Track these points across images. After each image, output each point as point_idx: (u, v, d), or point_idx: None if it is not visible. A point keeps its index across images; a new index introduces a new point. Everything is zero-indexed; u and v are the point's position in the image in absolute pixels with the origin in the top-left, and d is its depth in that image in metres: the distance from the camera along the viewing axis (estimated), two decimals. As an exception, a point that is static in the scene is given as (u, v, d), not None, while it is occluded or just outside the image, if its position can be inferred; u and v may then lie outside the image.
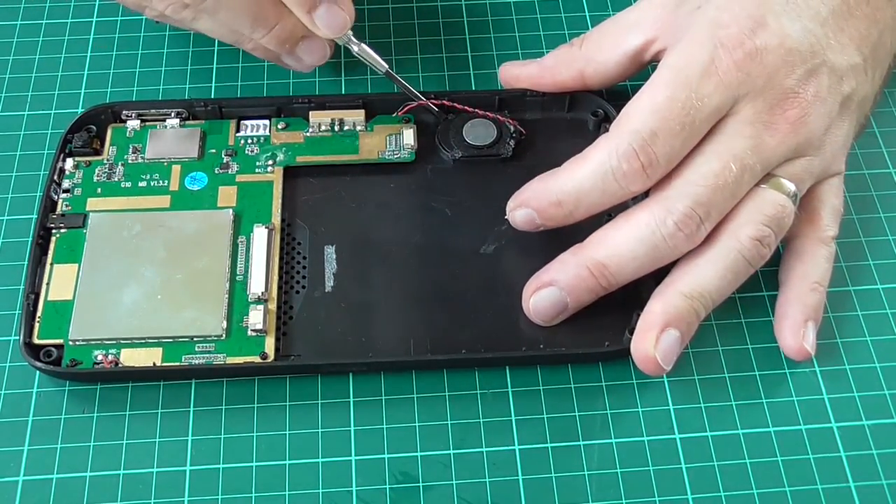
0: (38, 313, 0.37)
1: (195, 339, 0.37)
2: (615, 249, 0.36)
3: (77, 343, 0.37)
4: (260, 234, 0.39)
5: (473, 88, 0.46)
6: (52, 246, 0.39)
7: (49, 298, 0.38)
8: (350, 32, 0.41)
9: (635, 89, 0.37)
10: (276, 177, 0.41)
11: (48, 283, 0.38)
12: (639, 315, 0.37)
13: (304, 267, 0.39)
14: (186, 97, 0.45)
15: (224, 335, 0.37)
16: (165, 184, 0.41)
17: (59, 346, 0.37)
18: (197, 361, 0.37)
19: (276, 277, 0.38)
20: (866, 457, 0.36)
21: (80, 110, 0.44)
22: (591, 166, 0.36)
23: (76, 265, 0.38)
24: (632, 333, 0.36)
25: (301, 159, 0.42)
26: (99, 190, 0.41)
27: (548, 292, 0.37)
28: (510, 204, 0.39)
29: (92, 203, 0.40)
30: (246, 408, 0.37)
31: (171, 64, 0.46)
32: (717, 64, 0.36)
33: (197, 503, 0.35)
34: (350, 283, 0.39)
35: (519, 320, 0.38)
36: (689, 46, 0.37)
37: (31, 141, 0.44)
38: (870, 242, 0.41)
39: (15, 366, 0.38)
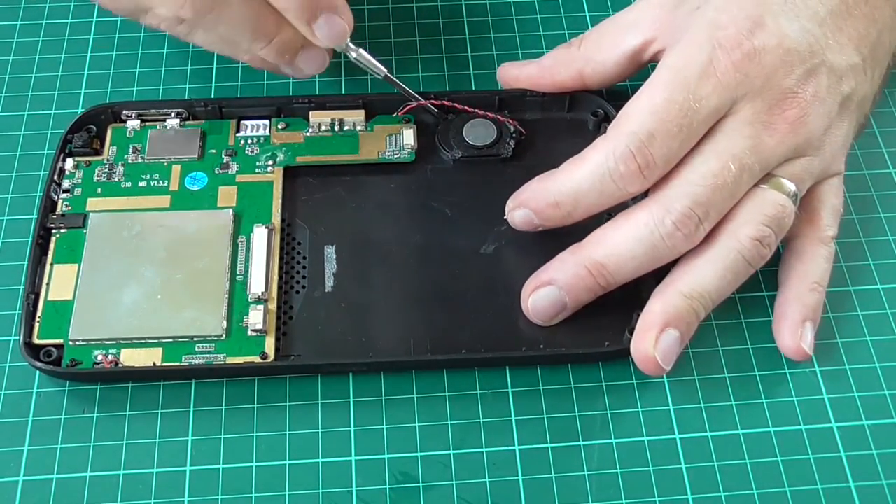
0: (38, 313, 0.37)
1: (195, 339, 0.37)
2: (614, 249, 0.36)
3: (77, 343, 0.37)
4: (260, 234, 0.39)
5: (473, 88, 0.46)
6: (52, 246, 0.39)
7: (49, 298, 0.38)
8: (348, 39, 0.40)
9: (635, 89, 0.37)
10: (276, 177, 0.41)
11: (48, 283, 0.38)
12: (639, 315, 0.37)
13: (304, 267, 0.39)
14: (186, 97, 0.45)
15: (224, 335, 0.37)
16: (165, 184, 0.41)
17: (59, 346, 0.37)
18: (197, 361, 0.37)
19: (276, 277, 0.39)
20: (866, 457, 0.36)
21: (80, 110, 0.44)
22: (589, 167, 0.36)
23: (76, 265, 0.38)
24: (632, 333, 0.36)
25: (301, 159, 0.42)
26: (99, 190, 0.41)
27: (546, 291, 0.37)
28: (509, 204, 0.39)
29: (92, 203, 0.40)
30: (246, 408, 0.37)
31: (171, 64, 0.46)
32: (716, 65, 0.36)
33: (197, 503, 0.35)
34: (350, 283, 0.39)
35: (519, 320, 0.38)
36: (687, 47, 0.37)
37: (31, 141, 0.44)
38: (870, 242, 0.41)
39: (15, 366, 0.38)
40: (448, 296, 0.39)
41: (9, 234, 0.41)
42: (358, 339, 0.37)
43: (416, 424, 0.36)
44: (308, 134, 0.42)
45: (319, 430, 0.36)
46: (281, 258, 0.39)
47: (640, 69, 0.41)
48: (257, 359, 0.37)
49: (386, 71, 0.41)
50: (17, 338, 0.37)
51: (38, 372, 0.37)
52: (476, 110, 0.43)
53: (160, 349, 0.37)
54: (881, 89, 0.41)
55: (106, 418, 0.37)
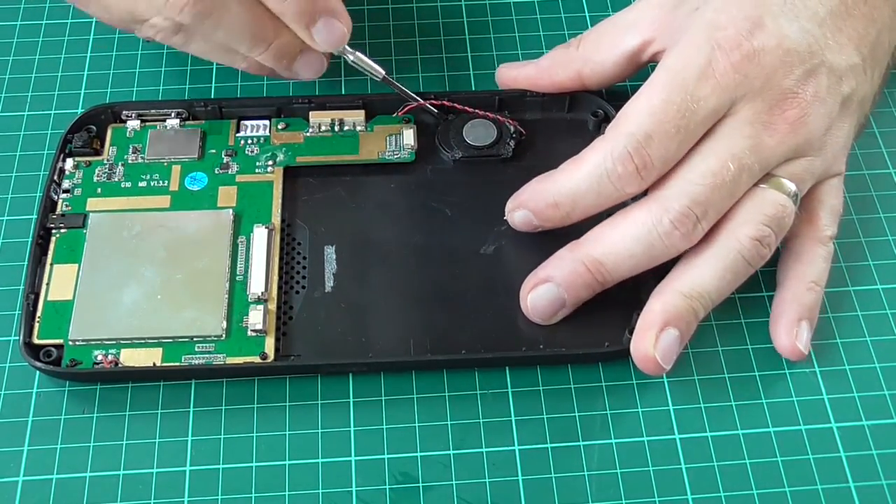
0: (38, 313, 0.37)
1: (195, 339, 0.37)
2: (612, 247, 0.36)
3: (77, 343, 0.37)
4: (260, 235, 0.39)
5: (473, 89, 0.46)
6: (52, 246, 0.39)
7: (49, 298, 0.38)
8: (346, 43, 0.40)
9: (635, 89, 0.37)
10: (276, 177, 0.41)
11: (48, 283, 0.38)
12: (638, 315, 0.37)
13: (304, 267, 0.39)
14: (186, 97, 0.45)
15: (224, 335, 0.37)
16: (165, 184, 0.41)
17: (59, 346, 0.37)
18: (197, 361, 0.37)
19: (276, 277, 0.39)
20: (866, 457, 0.36)
21: (80, 110, 0.44)
22: (587, 168, 0.37)
23: (76, 265, 0.39)
24: (632, 333, 0.36)
25: (301, 159, 0.42)
26: (99, 190, 0.41)
27: (545, 289, 0.37)
28: (508, 205, 0.39)
29: (92, 203, 0.40)
30: (246, 408, 0.37)
31: (171, 64, 0.46)
32: (714, 66, 0.36)
33: (197, 503, 0.35)
34: (350, 283, 0.39)
35: (519, 320, 0.38)
36: (686, 48, 0.37)
37: (31, 141, 0.44)
38: (870, 242, 0.41)
39: (15, 366, 0.38)
40: (448, 296, 0.39)
41: (9, 234, 0.41)
42: (358, 339, 0.37)
43: (416, 424, 0.36)
44: (308, 134, 0.42)
45: (319, 431, 0.36)
46: (281, 258, 0.39)
47: (639, 70, 0.41)
48: (257, 359, 0.37)
49: (384, 73, 0.41)
50: (17, 338, 0.37)
51: (38, 372, 0.37)
52: (476, 111, 0.43)
53: (160, 349, 0.37)
54: (881, 89, 0.41)
55: (106, 418, 0.37)
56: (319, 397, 0.37)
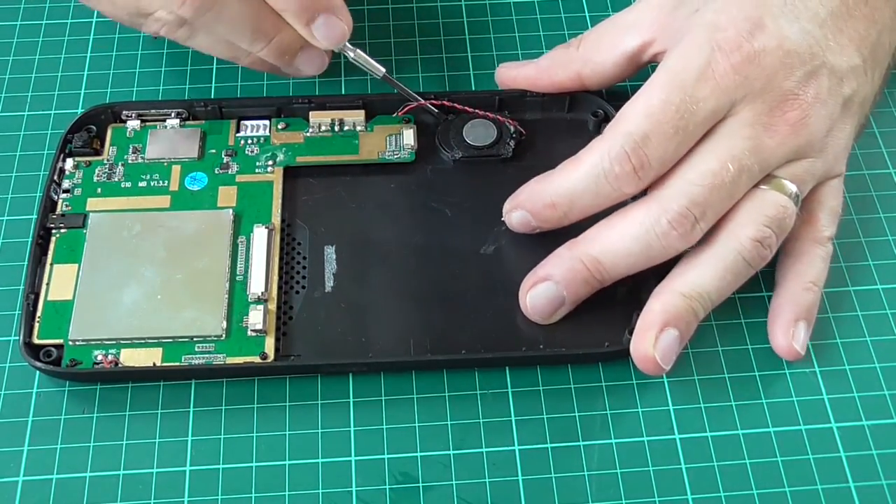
0: (38, 313, 0.37)
1: (195, 339, 0.37)
2: (610, 246, 0.36)
3: (77, 343, 0.37)
4: (260, 235, 0.39)
5: (473, 89, 0.46)
6: (52, 246, 0.39)
7: (49, 298, 0.38)
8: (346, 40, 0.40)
9: (635, 90, 0.37)
10: (276, 177, 0.41)
11: (48, 283, 0.38)
12: (638, 315, 0.37)
13: (304, 267, 0.39)
14: (186, 97, 0.45)
15: (224, 335, 0.37)
16: (165, 184, 0.41)
17: (59, 346, 0.37)
18: (197, 361, 0.37)
19: (276, 277, 0.39)
20: (866, 457, 0.36)
21: (80, 110, 0.44)
22: (584, 168, 0.37)
23: (76, 265, 0.39)
24: (631, 334, 0.36)
25: (301, 159, 0.42)
26: (99, 190, 0.41)
27: (544, 287, 0.37)
28: (506, 206, 0.39)
29: (92, 203, 0.40)
30: (246, 408, 0.37)
31: (171, 64, 0.46)
32: (714, 67, 0.36)
33: (197, 503, 0.35)
34: (350, 283, 0.39)
35: (519, 320, 0.38)
36: (686, 49, 0.37)
37: (31, 141, 0.44)
38: (870, 242, 0.41)
39: (15, 366, 0.38)
40: (448, 296, 0.39)
41: (9, 234, 0.41)
42: (358, 339, 0.37)
43: (416, 425, 0.37)
44: (308, 134, 0.42)
45: (319, 431, 0.36)
46: (281, 258, 0.39)
47: (639, 70, 0.41)
48: (257, 359, 0.37)
49: (384, 71, 0.41)
50: (17, 338, 0.37)
51: (37, 372, 0.37)
52: (476, 111, 0.43)
53: (160, 349, 0.37)
54: (881, 90, 0.41)
55: (106, 418, 0.37)
56: (319, 397, 0.37)
